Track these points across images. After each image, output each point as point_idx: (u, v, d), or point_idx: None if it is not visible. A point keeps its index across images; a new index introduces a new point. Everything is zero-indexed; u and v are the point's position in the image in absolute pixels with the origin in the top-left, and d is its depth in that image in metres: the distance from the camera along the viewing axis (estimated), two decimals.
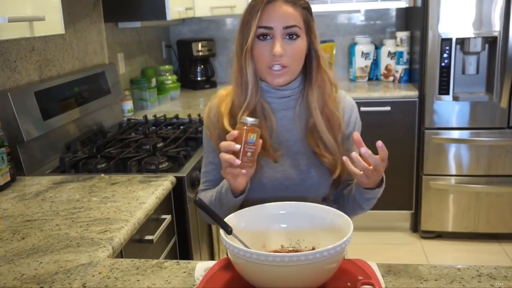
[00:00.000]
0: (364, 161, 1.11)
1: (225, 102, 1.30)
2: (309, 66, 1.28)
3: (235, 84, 1.28)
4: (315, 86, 1.27)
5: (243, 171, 1.12)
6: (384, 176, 1.20)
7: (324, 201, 1.34)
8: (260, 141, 1.11)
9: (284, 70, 1.22)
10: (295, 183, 1.27)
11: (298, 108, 1.29)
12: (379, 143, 1.08)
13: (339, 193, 1.37)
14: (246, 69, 1.24)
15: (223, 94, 1.33)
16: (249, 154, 1.10)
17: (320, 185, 1.29)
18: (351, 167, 1.13)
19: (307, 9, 1.24)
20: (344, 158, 1.13)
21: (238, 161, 1.09)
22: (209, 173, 1.36)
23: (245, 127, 1.09)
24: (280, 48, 1.18)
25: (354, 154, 1.11)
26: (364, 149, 1.09)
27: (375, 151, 1.11)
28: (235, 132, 1.10)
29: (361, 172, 1.13)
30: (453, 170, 3.05)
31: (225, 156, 1.10)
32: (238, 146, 1.08)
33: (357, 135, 1.11)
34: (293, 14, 1.21)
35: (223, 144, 1.11)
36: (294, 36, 1.21)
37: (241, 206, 1.21)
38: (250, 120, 1.10)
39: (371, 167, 1.11)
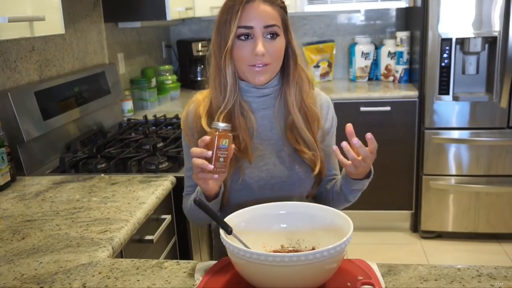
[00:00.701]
0: (354, 151, 1.13)
1: (202, 104, 1.29)
2: (287, 64, 1.29)
3: (213, 85, 1.28)
4: (293, 84, 1.28)
5: (215, 176, 1.11)
6: (372, 168, 1.21)
7: (307, 198, 1.35)
8: (233, 146, 1.10)
9: (266, 68, 1.22)
10: (280, 181, 1.28)
11: (277, 106, 1.31)
12: (369, 135, 1.10)
13: (321, 190, 1.38)
14: (225, 70, 1.23)
15: (199, 99, 1.32)
16: (221, 159, 1.08)
17: (305, 181, 1.31)
18: (340, 157, 1.15)
19: (283, 8, 1.26)
20: (334, 147, 1.15)
21: (211, 166, 1.07)
22: (191, 178, 1.34)
23: (217, 133, 1.08)
24: (263, 47, 1.19)
25: (344, 144, 1.12)
26: (356, 140, 1.10)
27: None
28: (206, 138, 1.08)
29: (350, 162, 1.14)
30: (453, 170, 3.05)
31: (197, 161, 1.08)
32: (210, 153, 1.07)
33: (350, 127, 1.12)
34: (272, 13, 1.22)
35: (195, 150, 1.09)
36: (275, 35, 1.22)
37: (227, 208, 1.22)
38: (221, 125, 1.08)
39: (360, 158, 1.13)
